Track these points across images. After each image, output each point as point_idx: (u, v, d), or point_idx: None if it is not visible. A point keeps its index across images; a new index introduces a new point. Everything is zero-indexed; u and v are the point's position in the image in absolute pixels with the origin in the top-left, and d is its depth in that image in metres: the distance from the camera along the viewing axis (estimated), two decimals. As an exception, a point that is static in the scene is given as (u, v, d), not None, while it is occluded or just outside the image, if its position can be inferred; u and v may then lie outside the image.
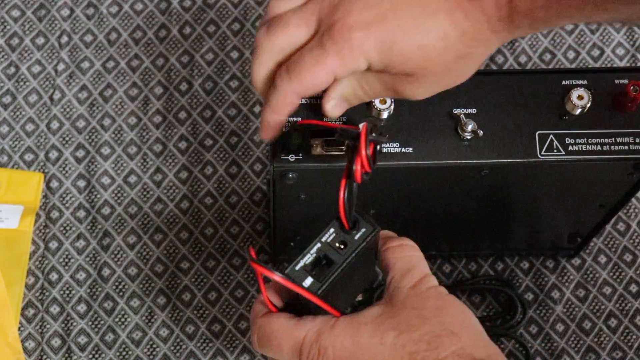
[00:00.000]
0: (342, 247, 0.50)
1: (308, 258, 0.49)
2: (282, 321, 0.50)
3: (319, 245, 0.50)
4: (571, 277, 0.75)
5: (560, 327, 0.74)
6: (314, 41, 0.50)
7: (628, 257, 0.76)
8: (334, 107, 0.54)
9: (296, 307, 0.51)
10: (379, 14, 0.48)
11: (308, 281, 0.49)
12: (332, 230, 0.50)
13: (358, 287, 0.57)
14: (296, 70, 0.50)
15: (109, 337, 0.72)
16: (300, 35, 0.51)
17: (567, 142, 0.57)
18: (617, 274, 0.75)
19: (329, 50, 0.49)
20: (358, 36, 0.48)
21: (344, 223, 0.49)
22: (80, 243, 0.75)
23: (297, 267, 0.49)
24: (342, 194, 0.48)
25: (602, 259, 0.76)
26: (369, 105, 0.57)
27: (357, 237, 0.50)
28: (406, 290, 0.50)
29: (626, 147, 0.57)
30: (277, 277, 0.47)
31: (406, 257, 0.52)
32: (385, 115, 0.57)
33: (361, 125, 0.47)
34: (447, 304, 0.49)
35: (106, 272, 0.74)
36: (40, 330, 0.72)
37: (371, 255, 0.53)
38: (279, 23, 0.51)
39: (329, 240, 0.50)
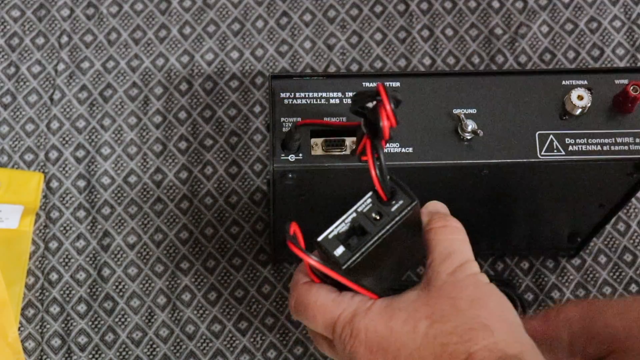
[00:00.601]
0: (378, 217, 0.48)
1: (342, 227, 0.48)
2: (321, 293, 0.50)
3: (354, 215, 0.48)
4: (571, 277, 0.75)
5: (560, 327, 0.74)
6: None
7: (628, 257, 0.76)
8: None
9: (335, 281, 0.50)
10: None
11: (339, 250, 0.48)
12: (369, 200, 0.49)
13: (404, 267, 0.55)
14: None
15: (109, 337, 0.72)
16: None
17: (567, 142, 0.57)
18: (617, 274, 0.75)
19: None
20: None
21: (380, 193, 0.48)
22: (80, 243, 0.75)
23: (330, 236, 0.48)
24: (371, 162, 0.47)
25: (602, 259, 0.76)
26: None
27: (393, 208, 0.48)
28: (444, 276, 0.49)
29: (626, 147, 0.57)
30: (311, 260, 0.47)
31: (448, 240, 0.51)
32: (385, 115, 0.57)
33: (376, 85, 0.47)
34: (484, 295, 0.49)
35: (106, 272, 0.74)
36: (40, 330, 0.72)
37: (415, 231, 0.51)
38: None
39: (364, 211, 0.48)
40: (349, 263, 0.48)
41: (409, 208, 0.49)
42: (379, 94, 0.47)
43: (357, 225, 0.48)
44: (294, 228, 0.48)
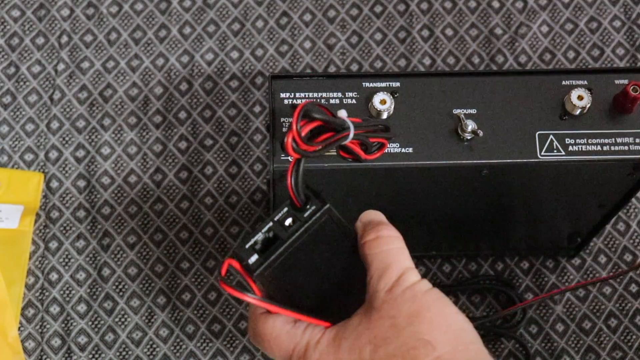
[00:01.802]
0: (291, 224, 0.48)
1: (259, 236, 0.48)
2: (277, 325, 0.50)
3: (270, 224, 0.49)
4: (571, 277, 0.75)
5: (560, 327, 0.74)
6: None
7: (628, 257, 0.76)
8: None
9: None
10: None
11: (253, 258, 0.48)
12: (285, 209, 0.49)
13: (354, 293, 0.54)
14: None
15: (109, 337, 0.72)
16: None
17: (567, 142, 0.57)
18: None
19: None
20: None
21: (293, 200, 0.48)
22: (80, 243, 0.75)
23: (246, 245, 0.48)
24: (290, 169, 0.48)
25: (602, 259, 0.76)
26: (368, 105, 0.57)
27: (306, 214, 0.48)
28: (382, 294, 0.49)
29: (626, 147, 0.57)
30: (248, 298, 0.49)
31: (383, 252, 0.50)
32: (385, 115, 0.57)
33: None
34: (423, 307, 0.48)
35: (106, 272, 0.74)
36: (40, 330, 0.72)
37: (339, 243, 0.51)
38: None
39: (279, 219, 0.49)
40: (260, 269, 0.48)
41: (320, 212, 0.49)
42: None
43: (272, 234, 0.49)
44: (226, 266, 0.49)
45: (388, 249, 0.50)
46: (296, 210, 0.49)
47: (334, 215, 0.50)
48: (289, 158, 0.56)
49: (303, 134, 0.47)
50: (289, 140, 0.47)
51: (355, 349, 0.48)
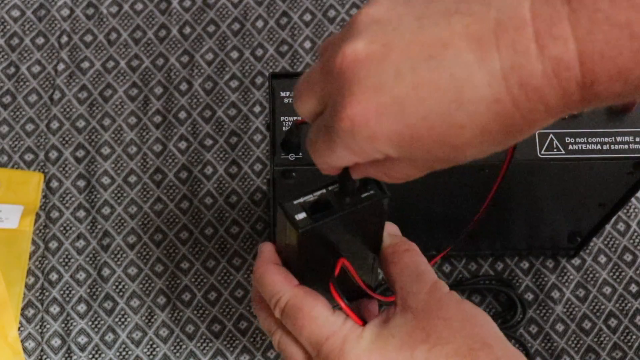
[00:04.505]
0: (347, 199, 0.47)
1: (309, 198, 0.48)
2: (318, 305, 0.48)
3: (323, 191, 0.48)
4: (571, 277, 0.75)
5: (560, 327, 0.74)
6: (324, 119, 0.41)
7: (628, 257, 0.76)
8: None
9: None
10: (396, 99, 0.37)
11: (301, 215, 0.47)
12: (338, 185, 0.48)
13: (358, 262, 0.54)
14: (315, 149, 0.43)
15: (109, 337, 0.72)
16: (312, 107, 0.42)
17: (567, 141, 0.57)
18: (617, 274, 0.75)
19: (336, 141, 0.40)
20: (364, 131, 0.38)
21: (352, 178, 0.47)
22: (80, 243, 0.75)
23: (295, 202, 0.47)
24: None
25: (602, 259, 0.76)
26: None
27: (363, 195, 0.48)
28: (422, 295, 0.48)
29: (626, 147, 0.57)
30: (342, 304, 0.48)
31: (415, 262, 0.50)
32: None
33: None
34: (471, 313, 0.48)
35: (106, 272, 0.74)
36: (40, 330, 0.72)
37: (371, 232, 0.51)
38: (296, 93, 0.44)
39: (334, 190, 0.48)
40: (306, 228, 0.47)
41: (378, 198, 0.48)
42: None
43: (324, 200, 0.48)
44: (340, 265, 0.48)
45: (419, 260, 0.50)
46: (354, 188, 0.48)
47: (386, 208, 0.49)
48: (289, 157, 0.56)
49: None
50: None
51: (406, 347, 0.46)
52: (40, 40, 0.81)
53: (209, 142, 0.78)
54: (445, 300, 0.48)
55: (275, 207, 0.62)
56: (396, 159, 0.40)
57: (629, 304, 0.75)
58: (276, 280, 0.50)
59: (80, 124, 0.78)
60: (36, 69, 0.80)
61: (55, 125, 0.78)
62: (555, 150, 0.57)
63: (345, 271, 0.49)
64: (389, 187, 0.48)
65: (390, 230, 0.53)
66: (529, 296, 0.75)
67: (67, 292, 0.73)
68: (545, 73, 0.35)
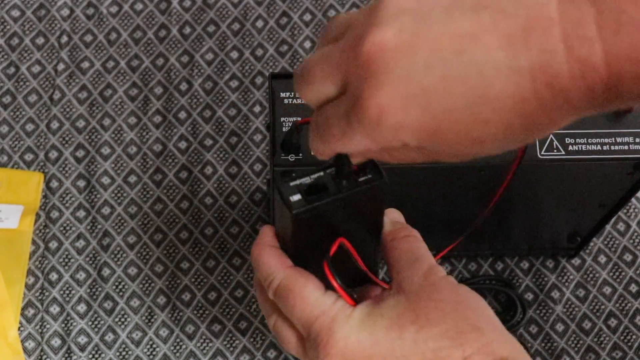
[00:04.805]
0: (344, 182, 0.47)
1: (305, 180, 0.47)
2: (309, 285, 0.48)
3: (321, 174, 0.47)
4: (571, 277, 0.75)
5: (560, 327, 0.74)
6: (341, 105, 0.41)
7: (628, 257, 0.76)
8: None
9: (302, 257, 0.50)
10: (424, 91, 0.37)
11: (296, 197, 0.47)
12: (335, 168, 0.48)
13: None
14: (325, 134, 0.43)
15: (109, 337, 0.72)
16: (326, 91, 0.42)
17: (567, 141, 0.57)
18: (617, 274, 0.75)
19: (356, 128, 0.40)
20: (391, 121, 0.38)
21: (351, 161, 0.47)
22: (80, 243, 0.75)
23: (292, 183, 0.47)
24: None
25: (602, 259, 0.76)
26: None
27: (361, 179, 0.47)
28: (417, 279, 0.48)
29: (626, 147, 0.57)
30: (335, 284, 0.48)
31: (413, 247, 0.50)
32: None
33: None
34: (464, 296, 0.48)
35: (106, 272, 0.74)
36: (40, 330, 0.72)
37: (370, 219, 0.50)
38: (305, 75, 0.43)
39: (332, 173, 0.47)
40: (300, 210, 0.46)
41: (375, 183, 0.47)
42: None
43: (321, 183, 0.47)
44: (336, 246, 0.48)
45: (418, 245, 0.50)
46: (351, 171, 0.47)
47: (384, 193, 0.48)
48: (289, 157, 0.56)
49: None
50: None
51: (395, 328, 0.46)
52: (40, 40, 0.81)
53: (209, 142, 0.78)
54: (439, 283, 0.48)
55: (275, 206, 0.63)
56: (411, 147, 0.41)
57: (629, 304, 0.75)
58: (270, 262, 0.50)
59: (80, 124, 0.78)
60: (36, 69, 0.80)
61: (55, 125, 0.78)
62: (555, 150, 0.57)
63: (344, 256, 0.49)
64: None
65: (392, 217, 0.53)
66: (529, 296, 0.75)
67: (67, 292, 0.73)
68: (572, 74, 0.35)
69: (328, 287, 0.49)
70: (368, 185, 0.47)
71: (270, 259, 0.50)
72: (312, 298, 0.48)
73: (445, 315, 0.46)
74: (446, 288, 0.48)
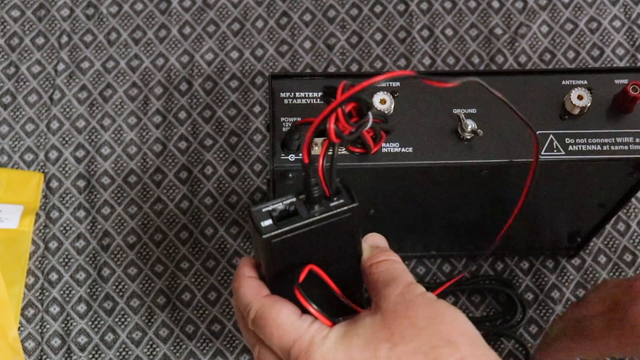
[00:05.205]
0: (315, 207, 0.48)
1: (278, 206, 0.48)
2: (283, 312, 0.49)
3: (293, 199, 0.48)
4: (571, 277, 0.75)
5: (560, 327, 0.74)
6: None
7: (628, 257, 0.76)
8: None
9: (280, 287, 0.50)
10: None
11: (267, 222, 0.47)
12: (306, 195, 0.48)
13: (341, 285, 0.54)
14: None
15: (109, 337, 0.72)
16: None
17: (567, 142, 0.57)
18: (617, 274, 0.75)
19: None
20: None
21: (323, 187, 0.48)
22: (80, 243, 0.75)
23: (264, 209, 0.48)
24: (321, 155, 0.47)
25: (602, 259, 0.76)
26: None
27: (332, 204, 0.48)
28: (394, 297, 0.49)
29: (626, 147, 0.57)
30: (311, 308, 0.48)
31: (390, 269, 0.51)
32: (385, 115, 0.57)
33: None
34: (440, 311, 0.48)
35: (106, 272, 0.74)
36: (40, 330, 0.72)
37: (345, 244, 0.51)
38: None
39: (303, 199, 0.48)
40: (270, 235, 0.47)
41: (346, 208, 0.48)
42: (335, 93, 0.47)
43: (292, 208, 0.48)
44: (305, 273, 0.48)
45: (395, 267, 0.51)
46: (323, 197, 0.48)
47: (356, 218, 0.49)
48: (289, 157, 0.56)
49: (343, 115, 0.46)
50: (331, 124, 0.46)
51: (370, 346, 0.47)
52: (40, 40, 0.81)
53: (209, 142, 0.78)
54: (415, 300, 0.48)
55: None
56: None
57: (629, 304, 0.74)
58: (247, 293, 0.51)
59: (80, 124, 0.78)
60: (36, 69, 0.80)
61: (55, 125, 0.78)
62: (555, 151, 0.57)
63: (323, 281, 0.49)
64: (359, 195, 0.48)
65: (372, 241, 0.53)
66: (529, 296, 0.75)
67: (67, 292, 0.73)
68: None
69: (305, 311, 0.50)
70: (339, 210, 0.48)
71: (247, 290, 0.51)
72: (288, 323, 0.49)
73: (420, 331, 0.47)
74: (422, 304, 0.48)
